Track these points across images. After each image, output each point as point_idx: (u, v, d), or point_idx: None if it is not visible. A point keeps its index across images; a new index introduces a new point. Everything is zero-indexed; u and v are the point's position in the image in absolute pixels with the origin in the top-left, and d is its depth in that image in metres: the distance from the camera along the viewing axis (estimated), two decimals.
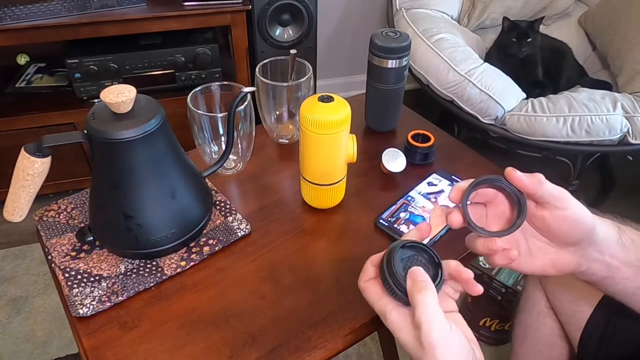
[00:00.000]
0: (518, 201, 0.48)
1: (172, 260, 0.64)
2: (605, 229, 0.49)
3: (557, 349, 0.80)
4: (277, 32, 1.62)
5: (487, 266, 1.22)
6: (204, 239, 0.67)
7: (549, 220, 0.48)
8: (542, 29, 1.68)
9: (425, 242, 0.51)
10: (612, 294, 0.53)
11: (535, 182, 0.46)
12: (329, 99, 0.64)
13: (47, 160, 0.56)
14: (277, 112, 0.83)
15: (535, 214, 0.48)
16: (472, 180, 0.49)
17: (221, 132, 0.74)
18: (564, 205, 0.46)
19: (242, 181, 0.79)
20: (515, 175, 0.47)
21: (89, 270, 0.63)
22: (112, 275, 0.62)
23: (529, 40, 1.57)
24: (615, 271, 0.50)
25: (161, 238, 0.62)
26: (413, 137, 0.82)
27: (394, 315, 0.46)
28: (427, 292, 0.44)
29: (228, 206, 0.72)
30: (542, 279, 0.79)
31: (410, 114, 0.95)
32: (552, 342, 0.80)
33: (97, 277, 0.62)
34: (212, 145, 0.76)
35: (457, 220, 0.49)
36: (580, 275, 0.51)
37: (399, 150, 0.79)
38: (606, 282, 0.51)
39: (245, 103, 0.72)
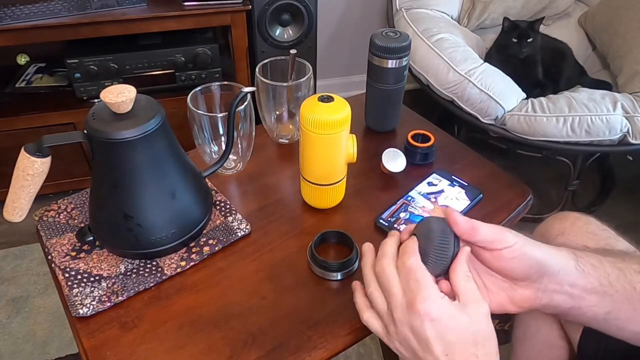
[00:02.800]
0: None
1: (172, 260, 0.64)
2: (559, 259, 0.49)
3: (557, 349, 0.79)
4: (277, 32, 1.62)
5: None
6: (204, 239, 0.67)
7: (490, 261, 0.48)
8: (542, 29, 1.68)
9: None
10: (587, 324, 0.53)
11: (468, 231, 0.47)
12: (329, 99, 0.64)
13: (47, 160, 0.56)
14: (277, 112, 0.83)
15: (479, 254, 0.49)
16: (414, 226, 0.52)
17: (221, 132, 0.74)
18: (502, 245, 0.47)
19: (242, 181, 0.79)
20: (452, 216, 0.48)
21: (89, 270, 0.63)
22: (112, 275, 0.62)
23: (529, 40, 1.57)
24: (580, 300, 0.49)
25: (161, 238, 0.62)
26: (413, 137, 0.82)
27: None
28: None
29: (228, 206, 0.72)
30: None
31: (410, 114, 0.95)
32: (552, 342, 0.80)
33: (97, 277, 0.62)
34: (212, 145, 0.76)
35: None
36: (544, 309, 0.50)
37: (399, 150, 0.79)
38: (573, 312, 0.50)
39: (245, 103, 0.72)
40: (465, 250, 0.48)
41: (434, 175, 0.79)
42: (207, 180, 0.73)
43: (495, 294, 0.50)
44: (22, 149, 0.55)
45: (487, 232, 0.47)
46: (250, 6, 1.50)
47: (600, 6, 1.79)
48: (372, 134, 0.90)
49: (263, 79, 0.78)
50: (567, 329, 0.74)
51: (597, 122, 1.38)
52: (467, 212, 0.73)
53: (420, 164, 0.81)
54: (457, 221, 0.47)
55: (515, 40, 1.58)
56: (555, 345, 0.79)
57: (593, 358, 0.67)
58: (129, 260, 0.64)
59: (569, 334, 0.74)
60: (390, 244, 0.51)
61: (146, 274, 0.63)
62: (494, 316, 0.47)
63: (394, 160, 0.78)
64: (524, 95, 1.49)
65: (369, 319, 0.51)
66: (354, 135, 0.69)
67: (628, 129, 1.38)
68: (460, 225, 0.47)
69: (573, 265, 0.49)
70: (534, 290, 0.49)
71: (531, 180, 1.62)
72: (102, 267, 0.63)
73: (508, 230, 0.48)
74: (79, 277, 0.62)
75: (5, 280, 1.45)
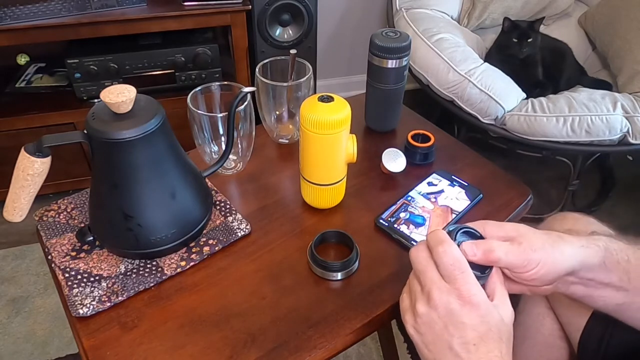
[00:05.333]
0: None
1: (172, 260, 0.64)
2: (585, 256, 0.49)
3: (557, 349, 0.79)
4: (277, 32, 1.62)
5: None
6: (204, 239, 0.67)
7: (520, 281, 0.50)
8: (542, 29, 1.68)
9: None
10: (596, 309, 0.54)
11: (485, 259, 0.47)
12: (329, 99, 0.64)
13: (47, 160, 0.56)
14: (277, 112, 0.83)
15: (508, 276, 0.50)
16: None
17: (221, 132, 0.74)
18: (527, 269, 0.47)
19: (242, 181, 0.79)
20: (466, 252, 0.48)
21: (89, 270, 0.63)
22: (112, 275, 0.62)
23: (529, 40, 1.57)
24: (593, 290, 0.51)
25: (161, 238, 0.62)
26: (413, 137, 0.82)
27: None
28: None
29: (228, 206, 0.72)
30: None
31: (410, 114, 0.95)
32: (552, 342, 0.79)
33: (97, 277, 0.62)
34: (212, 145, 0.76)
35: None
36: (563, 293, 0.52)
37: (399, 150, 0.79)
38: (585, 300, 0.52)
39: (245, 103, 0.72)
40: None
41: (434, 175, 0.79)
42: (207, 180, 0.73)
43: (516, 284, 0.51)
44: (22, 149, 0.55)
45: (511, 258, 0.47)
46: (250, 6, 1.50)
47: (600, 6, 1.79)
48: (372, 134, 0.90)
49: (263, 79, 0.78)
50: (567, 330, 0.74)
51: (597, 122, 1.38)
52: (467, 212, 0.73)
53: (420, 164, 0.81)
54: (471, 255, 0.47)
55: (515, 40, 1.58)
56: (555, 346, 0.79)
57: (593, 358, 0.67)
58: (129, 260, 0.64)
59: (569, 334, 0.74)
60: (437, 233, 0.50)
61: (146, 274, 0.63)
62: None
63: (394, 160, 0.78)
64: (524, 95, 1.49)
65: (403, 298, 0.50)
66: (354, 135, 0.69)
67: (628, 129, 1.38)
68: (476, 257, 0.47)
69: (598, 263, 0.50)
70: (554, 285, 0.50)
71: (531, 180, 1.63)
72: (102, 267, 0.63)
73: (529, 246, 0.48)
74: (79, 277, 0.62)
75: (5, 280, 1.45)
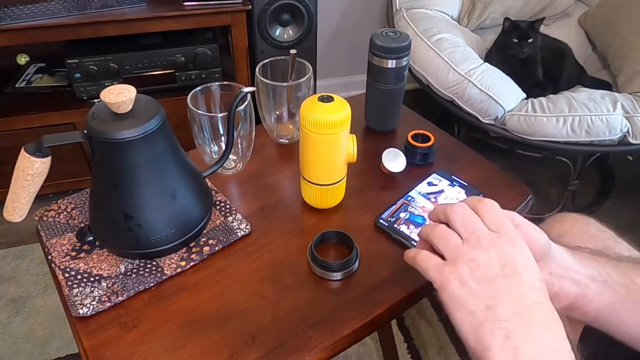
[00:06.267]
0: None
1: (172, 260, 0.64)
2: (557, 247, 0.50)
3: None
4: (277, 32, 1.62)
5: None
6: (204, 239, 0.67)
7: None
8: (542, 29, 1.68)
9: None
10: (594, 318, 0.52)
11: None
12: (329, 99, 0.64)
13: (47, 160, 0.56)
14: (277, 112, 0.83)
15: None
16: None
17: (221, 132, 0.74)
18: (517, 222, 0.48)
19: (242, 181, 0.79)
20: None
21: (89, 270, 0.63)
22: (112, 275, 0.62)
23: (529, 41, 1.57)
24: (585, 287, 0.50)
25: (161, 238, 0.62)
26: (413, 137, 0.82)
27: None
28: None
29: (228, 206, 0.72)
30: None
31: (410, 114, 0.95)
32: None
33: (97, 277, 0.62)
34: (212, 145, 0.76)
35: None
36: (556, 297, 0.50)
37: (399, 150, 0.79)
38: (581, 301, 0.50)
39: (245, 103, 0.72)
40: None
41: (434, 175, 0.79)
42: (207, 180, 0.73)
43: None
44: (22, 149, 0.55)
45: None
46: (250, 6, 1.50)
47: (600, 6, 1.79)
48: (372, 134, 0.90)
49: (263, 79, 0.78)
50: (568, 330, 0.74)
51: (597, 122, 1.38)
52: None
53: (420, 164, 0.81)
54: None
55: (515, 40, 1.58)
56: None
57: (593, 358, 0.67)
58: (129, 260, 0.64)
59: (569, 335, 0.73)
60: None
61: (146, 274, 0.63)
62: None
63: (394, 160, 0.78)
64: (524, 95, 1.49)
65: (425, 256, 0.49)
66: (354, 135, 0.69)
67: (628, 129, 1.38)
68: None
69: (570, 256, 0.50)
70: (547, 274, 0.49)
71: (531, 180, 1.63)
72: (102, 267, 0.63)
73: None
74: (79, 277, 0.62)
75: (5, 280, 1.45)
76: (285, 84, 0.79)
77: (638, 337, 0.53)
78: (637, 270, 0.52)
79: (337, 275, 0.63)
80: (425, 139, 0.82)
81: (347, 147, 0.68)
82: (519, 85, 1.49)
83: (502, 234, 0.45)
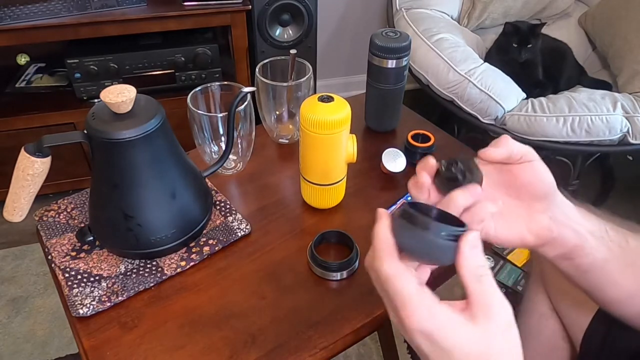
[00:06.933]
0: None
1: (172, 260, 0.64)
2: (563, 197, 0.49)
3: (559, 350, 0.79)
4: (277, 32, 1.62)
5: None
6: (204, 239, 0.67)
7: (517, 172, 0.47)
8: (542, 29, 1.68)
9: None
10: (585, 274, 0.50)
11: (506, 152, 0.45)
12: (329, 99, 0.64)
13: (47, 160, 0.56)
14: (277, 112, 0.83)
15: (508, 170, 0.48)
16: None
17: (221, 132, 0.74)
18: (532, 157, 0.46)
19: (242, 181, 0.79)
20: (488, 155, 0.46)
21: (89, 270, 0.63)
22: (112, 275, 0.62)
23: (529, 46, 1.57)
24: (584, 239, 0.49)
25: (161, 238, 0.62)
26: (413, 137, 0.82)
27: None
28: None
29: (228, 206, 0.72)
30: (544, 280, 0.79)
31: (410, 114, 0.95)
32: (555, 344, 0.79)
33: (97, 277, 0.62)
34: (212, 145, 0.76)
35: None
36: (554, 243, 0.48)
37: (399, 150, 0.79)
38: (577, 252, 0.49)
39: (245, 103, 0.72)
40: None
41: None
42: (207, 180, 0.73)
43: (514, 222, 0.49)
44: (22, 149, 0.55)
45: (520, 145, 0.46)
46: (250, 6, 1.50)
47: (600, 6, 1.79)
48: (372, 134, 0.90)
49: (263, 79, 0.78)
50: (571, 331, 0.74)
51: (597, 122, 1.38)
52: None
53: None
54: (493, 154, 0.46)
55: (515, 45, 1.58)
56: (558, 347, 0.79)
57: (596, 358, 0.67)
58: (129, 260, 0.64)
59: (572, 335, 0.73)
60: (380, 236, 0.43)
61: (146, 274, 0.63)
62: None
63: (394, 160, 0.78)
64: (524, 95, 1.49)
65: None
66: (354, 135, 0.69)
67: (628, 129, 1.38)
68: (498, 154, 0.46)
69: (574, 207, 0.49)
70: (548, 218, 0.48)
71: None
72: (102, 267, 0.63)
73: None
74: (79, 277, 0.62)
75: (5, 280, 1.45)
76: (285, 84, 0.79)
77: (623, 299, 0.52)
78: (634, 234, 0.52)
79: (337, 275, 0.63)
80: (425, 139, 0.82)
81: (347, 147, 0.68)
82: (519, 85, 1.49)
83: (402, 326, 0.38)
